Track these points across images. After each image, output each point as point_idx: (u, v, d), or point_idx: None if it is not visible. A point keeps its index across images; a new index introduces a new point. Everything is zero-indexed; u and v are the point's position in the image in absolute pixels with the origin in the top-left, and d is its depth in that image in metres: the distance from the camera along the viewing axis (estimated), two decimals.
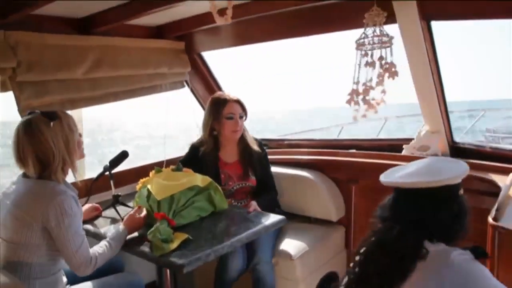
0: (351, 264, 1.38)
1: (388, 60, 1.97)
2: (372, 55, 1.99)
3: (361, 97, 2.01)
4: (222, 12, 1.84)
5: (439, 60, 2.31)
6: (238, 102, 2.53)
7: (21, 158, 1.71)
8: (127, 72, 2.53)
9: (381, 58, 1.99)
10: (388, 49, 1.99)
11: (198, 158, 2.54)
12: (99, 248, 1.78)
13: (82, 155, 1.93)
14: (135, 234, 1.96)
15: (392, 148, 2.78)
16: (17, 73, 2.01)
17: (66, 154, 1.74)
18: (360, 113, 2.06)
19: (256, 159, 2.61)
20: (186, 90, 3.15)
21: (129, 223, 1.93)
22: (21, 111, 2.06)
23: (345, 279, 1.37)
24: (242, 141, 2.61)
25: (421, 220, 1.25)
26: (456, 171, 1.28)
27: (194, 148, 2.61)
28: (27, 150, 1.68)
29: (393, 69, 1.97)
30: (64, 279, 1.89)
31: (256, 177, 2.60)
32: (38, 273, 1.72)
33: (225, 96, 2.54)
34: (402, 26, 2.16)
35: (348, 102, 2.04)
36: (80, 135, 1.90)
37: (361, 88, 2.01)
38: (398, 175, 1.36)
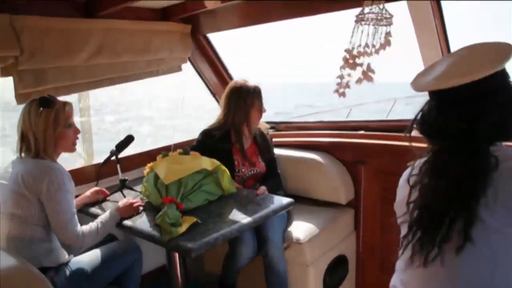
0: (402, 217, 1.26)
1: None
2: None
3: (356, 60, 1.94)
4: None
5: (449, 39, 2.26)
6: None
7: (17, 130, 1.91)
8: (127, 59, 2.49)
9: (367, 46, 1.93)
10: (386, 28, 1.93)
11: (211, 144, 2.48)
12: (88, 226, 1.90)
13: (67, 148, 2.00)
14: (141, 217, 2.00)
15: (401, 128, 2.73)
16: (19, 61, 1.99)
17: (42, 140, 1.88)
18: (353, 78, 1.99)
19: (268, 144, 2.64)
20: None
21: (122, 208, 2.01)
22: (18, 98, 2.05)
23: (407, 235, 1.22)
24: (257, 127, 2.64)
25: (477, 125, 1.07)
26: (503, 52, 1.08)
27: (207, 135, 2.55)
28: (18, 124, 1.90)
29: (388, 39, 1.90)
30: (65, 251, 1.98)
31: (266, 162, 2.61)
32: (39, 241, 1.86)
33: (255, 87, 2.51)
34: (411, 4, 2.10)
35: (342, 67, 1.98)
36: (77, 131, 2.02)
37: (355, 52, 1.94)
38: (431, 77, 1.15)
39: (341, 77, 1.89)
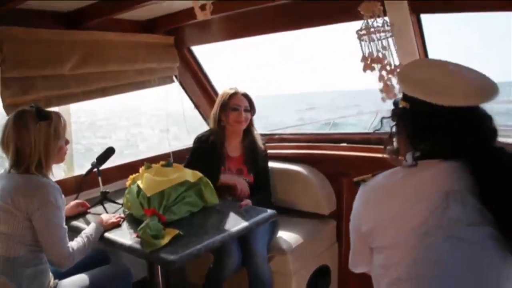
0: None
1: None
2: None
3: (377, 65, 2.00)
4: (203, 7, 1.83)
5: (429, 54, 2.31)
6: (245, 96, 2.61)
7: (3, 143, 1.80)
8: (115, 68, 2.50)
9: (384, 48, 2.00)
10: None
11: (207, 149, 2.56)
12: (76, 243, 1.83)
13: (61, 160, 1.98)
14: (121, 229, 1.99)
15: (383, 141, 2.77)
16: (2, 69, 1.97)
17: (43, 155, 1.80)
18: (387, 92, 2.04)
19: (258, 157, 2.65)
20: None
21: (104, 222, 1.98)
22: (6, 108, 2.03)
23: None
24: (248, 136, 2.66)
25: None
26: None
27: (201, 141, 2.63)
28: (10, 138, 1.77)
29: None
30: (51, 274, 1.89)
31: (254, 174, 2.62)
32: (25, 263, 1.76)
33: (233, 89, 2.60)
34: (392, 20, 2.15)
35: (364, 69, 2.03)
36: (67, 142, 1.96)
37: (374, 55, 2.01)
38: (459, 91, 1.12)
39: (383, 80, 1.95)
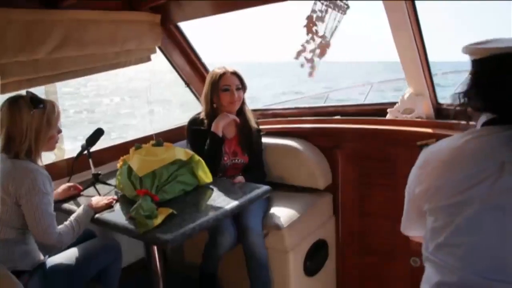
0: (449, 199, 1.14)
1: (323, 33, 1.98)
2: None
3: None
4: None
5: (421, 21, 2.27)
6: (235, 74, 2.54)
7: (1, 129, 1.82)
8: (93, 51, 2.40)
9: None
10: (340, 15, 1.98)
11: (203, 132, 2.52)
12: (64, 227, 1.85)
13: (51, 149, 2.00)
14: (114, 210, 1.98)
15: (376, 112, 2.76)
16: None
17: (33, 142, 1.83)
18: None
19: (252, 136, 2.61)
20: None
21: (95, 205, 1.97)
22: None
23: None
24: (241, 117, 2.61)
25: None
26: None
27: (196, 123, 2.58)
28: (3, 122, 1.80)
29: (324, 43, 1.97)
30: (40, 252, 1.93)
31: (249, 155, 2.59)
32: (16, 243, 1.81)
33: (222, 69, 2.53)
34: (387, 4, 2.11)
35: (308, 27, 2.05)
36: (59, 131, 1.98)
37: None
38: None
39: (302, 51, 1.96)
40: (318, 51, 2.05)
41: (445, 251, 1.13)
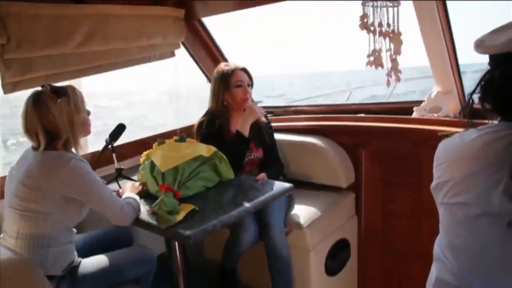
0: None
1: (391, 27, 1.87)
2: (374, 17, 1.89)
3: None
4: None
5: (451, 19, 2.21)
6: (244, 70, 2.50)
7: (28, 130, 1.79)
8: (119, 45, 2.41)
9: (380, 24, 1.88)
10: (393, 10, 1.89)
11: (214, 134, 2.45)
12: (127, 204, 1.85)
13: (87, 133, 1.99)
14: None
15: (402, 111, 2.70)
16: (5, 50, 1.91)
17: (69, 131, 1.80)
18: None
19: (263, 130, 2.57)
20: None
21: (130, 188, 2.03)
22: (5, 88, 1.99)
23: None
24: None
25: None
26: None
27: (207, 126, 2.50)
28: (34, 123, 1.76)
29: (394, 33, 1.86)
30: (75, 252, 1.91)
31: (263, 148, 2.56)
32: (51, 242, 1.77)
33: (231, 65, 2.50)
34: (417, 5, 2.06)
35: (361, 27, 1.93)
36: (88, 113, 1.96)
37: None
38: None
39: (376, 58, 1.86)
40: (392, 46, 1.92)
41: (446, 248, 1.14)
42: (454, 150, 1.17)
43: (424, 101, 2.58)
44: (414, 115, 2.61)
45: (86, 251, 1.98)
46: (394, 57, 1.89)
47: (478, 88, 1.14)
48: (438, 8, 2.10)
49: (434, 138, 2.35)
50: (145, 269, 2.05)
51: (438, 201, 1.20)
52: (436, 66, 2.40)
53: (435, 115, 2.50)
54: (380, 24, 1.85)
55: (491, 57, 1.12)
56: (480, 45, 1.11)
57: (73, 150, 1.88)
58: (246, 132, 2.37)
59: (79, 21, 2.18)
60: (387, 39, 1.86)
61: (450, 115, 2.46)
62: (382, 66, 1.89)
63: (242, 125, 2.38)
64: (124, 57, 2.52)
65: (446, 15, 2.16)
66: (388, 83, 1.97)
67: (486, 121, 1.16)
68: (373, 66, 1.91)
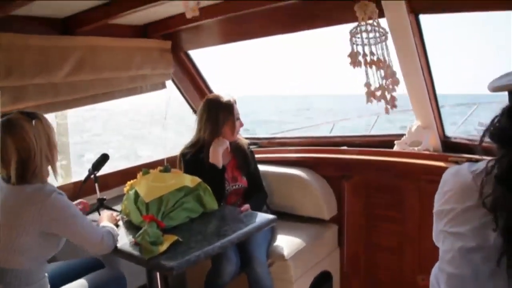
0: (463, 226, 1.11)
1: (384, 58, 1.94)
2: (364, 49, 1.96)
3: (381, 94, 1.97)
4: (194, 7, 1.81)
5: (429, 54, 2.30)
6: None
7: (3, 158, 1.69)
8: (108, 75, 2.45)
9: (372, 54, 1.95)
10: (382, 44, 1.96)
11: (198, 165, 2.42)
12: (107, 232, 1.81)
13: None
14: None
15: (383, 144, 2.76)
16: None
17: (48, 151, 1.75)
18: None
19: (248, 158, 2.59)
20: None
21: (105, 218, 1.98)
22: None
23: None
24: (234, 142, 2.59)
25: None
26: None
27: (191, 159, 2.48)
28: (10, 149, 1.66)
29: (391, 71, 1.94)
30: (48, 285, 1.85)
31: (247, 177, 2.57)
32: (25, 279, 1.69)
33: (229, 97, 2.49)
34: (390, 20, 2.14)
35: (370, 101, 2.00)
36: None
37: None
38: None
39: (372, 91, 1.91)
40: (389, 82, 1.95)
41: (441, 277, 1.14)
42: (460, 179, 1.17)
43: (404, 134, 2.65)
44: (395, 148, 2.67)
45: (57, 280, 1.92)
46: (391, 87, 1.97)
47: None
48: (417, 45, 2.19)
49: (415, 171, 2.42)
50: None
51: (439, 227, 1.20)
52: (415, 101, 2.48)
53: (416, 148, 2.56)
54: (372, 53, 1.92)
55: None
56: (493, 83, 1.15)
57: (50, 177, 1.82)
58: (219, 163, 2.40)
59: (68, 52, 2.22)
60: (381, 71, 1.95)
61: (430, 149, 2.52)
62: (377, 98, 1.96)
63: (213, 156, 2.40)
64: (116, 87, 2.55)
65: (424, 49, 2.25)
66: (387, 111, 2.03)
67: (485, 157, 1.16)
68: (373, 100, 1.99)
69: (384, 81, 1.97)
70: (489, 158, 1.12)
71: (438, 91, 2.43)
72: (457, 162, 1.29)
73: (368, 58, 1.94)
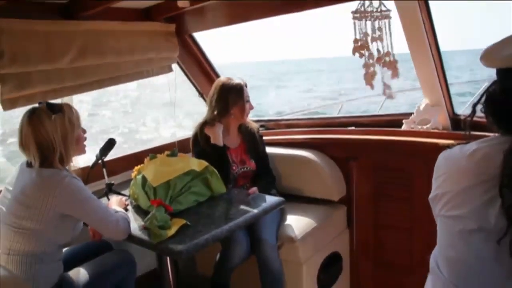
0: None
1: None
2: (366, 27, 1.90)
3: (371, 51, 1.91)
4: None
5: (437, 31, 2.24)
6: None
7: (23, 144, 1.79)
8: (113, 59, 2.43)
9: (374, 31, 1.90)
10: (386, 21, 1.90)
11: (209, 150, 2.46)
12: (120, 217, 1.85)
13: (81, 151, 1.98)
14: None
15: (391, 123, 2.73)
16: (0, 65, 1.92)
17: (62, 147, 1.80)
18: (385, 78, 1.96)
19: (257, 141, 2.61)
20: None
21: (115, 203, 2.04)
22: (3, 105, 1.99)
23: None
24: (244, 125, 2.62)
25: None
26: None
27: (202, 142, 2.51)
28: (29, 138, 1.76)
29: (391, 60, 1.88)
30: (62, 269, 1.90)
31: (256, 160, 2.58)
32: (43, 260, 1.76)
33: (239, 80, 2.53)
34: (398, 4, 2.09)
35: (355, 50, 1.93)
36: (84, 131, 1.97)
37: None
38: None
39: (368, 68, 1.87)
40: (389, 72, 1.93)
41: (441, 260, 1.14)
42: (453, 162, 1.17)
43: (413, 113, 2.61)
44: (404, 127, 2.64)
45: (68, 262, 1.97)
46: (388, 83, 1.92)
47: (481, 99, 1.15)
48: (424, 23, 2.14)
49: (424, 150, 2.39)
50: (126, 270, 2.07)
51: (436, 212, 1.20)
52: (424, 79, 2.43)
53: (424, 127, 2.53)
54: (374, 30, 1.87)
55: (496, 69, 1.12)
56: (484, 58, 1.11)
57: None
58: (220, 142, 2.47)
59: (72, 37, 2.20)
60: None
61: (439, 127, 2.49)
62: (372, 87, 1.92)
63: (213, 137, 2.47)
64: (121, 72, 2.53)
65: (432, 27, 2.20)
66: (385, 93, 1.99)
67: (487, 133, 1.17)
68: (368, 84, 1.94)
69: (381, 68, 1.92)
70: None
71: (442, 49, 2.36)
72: (448, 147, 1.26)
73: (370, 38, 1.89)
